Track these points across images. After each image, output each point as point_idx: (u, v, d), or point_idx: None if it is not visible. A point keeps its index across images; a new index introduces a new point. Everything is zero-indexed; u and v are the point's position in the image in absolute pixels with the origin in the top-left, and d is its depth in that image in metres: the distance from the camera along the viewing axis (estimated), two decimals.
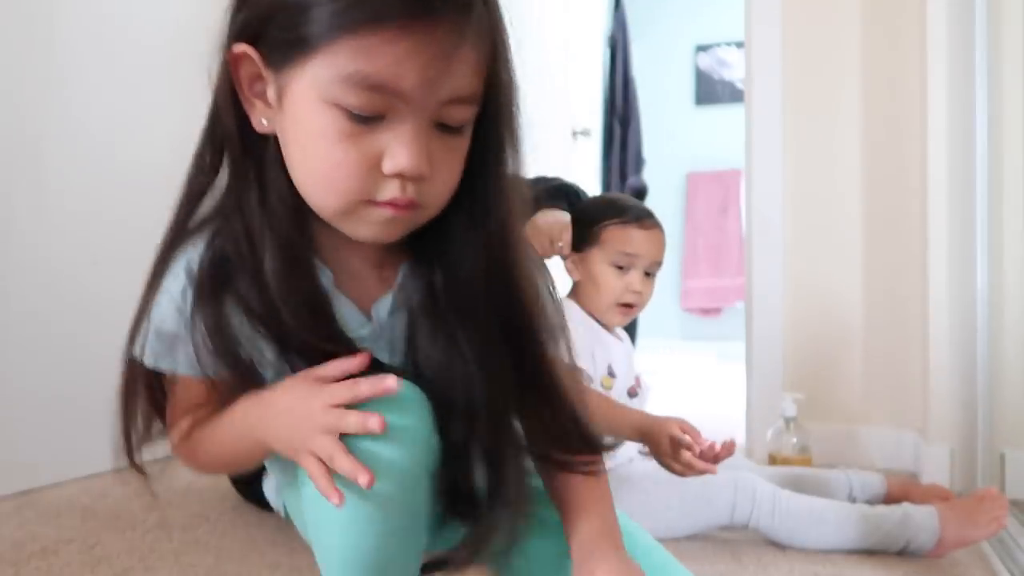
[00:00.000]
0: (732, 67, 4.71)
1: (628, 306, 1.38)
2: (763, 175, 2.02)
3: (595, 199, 1.55)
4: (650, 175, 4.37)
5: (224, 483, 1.57)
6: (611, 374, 1.38)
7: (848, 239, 1.96)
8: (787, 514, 1.24)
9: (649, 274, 1.39)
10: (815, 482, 1.40)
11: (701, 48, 4.79)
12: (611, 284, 1.37)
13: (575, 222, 1.41)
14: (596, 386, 1.36)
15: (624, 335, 1.50)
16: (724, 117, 4.62)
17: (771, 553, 1.24)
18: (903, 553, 1.21)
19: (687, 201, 4.73)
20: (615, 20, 4.42)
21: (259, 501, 1.51)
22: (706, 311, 4.66)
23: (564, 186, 1.69)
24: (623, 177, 4.30)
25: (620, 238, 1.36)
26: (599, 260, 1.37)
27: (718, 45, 4.74)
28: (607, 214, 1.38)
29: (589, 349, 1.36)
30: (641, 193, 3.92)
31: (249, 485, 1.51)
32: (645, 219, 1.38)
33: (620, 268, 1.37)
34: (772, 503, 1.25)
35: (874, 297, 1.94)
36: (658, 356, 4.17)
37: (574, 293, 1.43)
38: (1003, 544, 1.27)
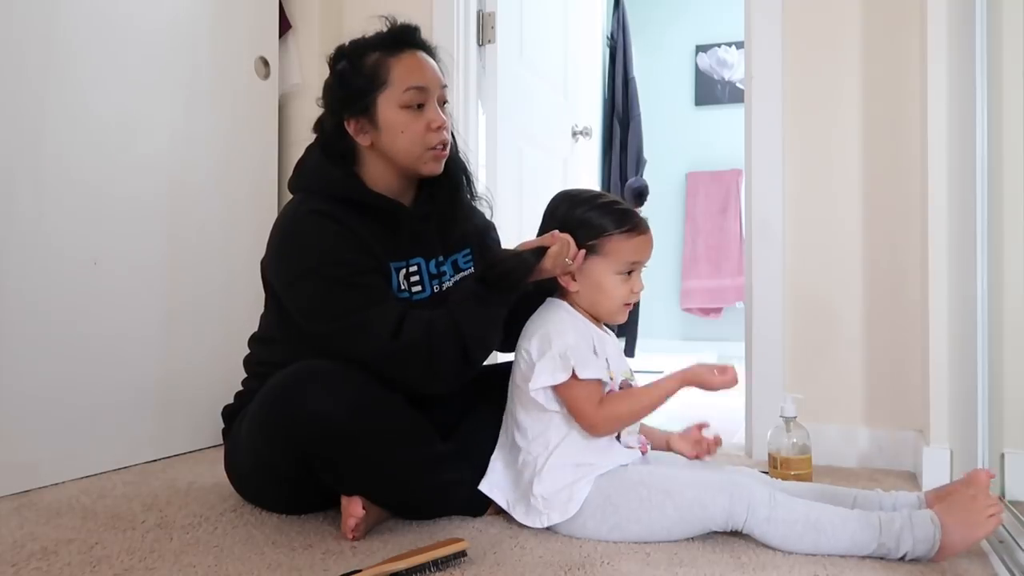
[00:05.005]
0: (732, 67, 4.71)
1: (628, 304, 1.42)
2: (763, 175, 2.02)
3: (589, 205, 1.40)
4: (650, 175, 4.36)
5: (224, 483, 1.58)
6: (608, 367, 1.39)
7: (848, 239, 1.96)
8: (782, 520, 1.23)
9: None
10: (847, 499, 1.34)
11: (701, 48, 4.79)
12: (619, 291, 1.39)
13: (570, 230, 1.37)
14: (607, 377, 1.37)
15: (611, 332, 1.51)
16: (724, 117, 4.62)
17: (771, 554, 1.24)
18: (902, 560, 1.20)
19: (687, 201, 4.72)
20: (615, 20, 4.42)
21: (259, 501, 1.51)
22: (706, 311, 4.65)
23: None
24: (623, 177, 4.29)
25: (625, 249, 1.38)
26: (604, 270, 1.38)
27: (718, 45, 4.73)
28: (606, 225, 1.37)
29: (593, 344, 1.37)
30: (642, 193, 3.92)
31: (248, 484, 1.51)
32: (641, 224, 1.39)
33: (624, 274, 1.39)
34: (768, 508, 1.23)
35: (874, 297, 1.94)
36: (658, 356, 4.17)
37: (564, 295, 1.43)
38: (1003, 544, 1.27)
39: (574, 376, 1.32)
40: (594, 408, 1.33)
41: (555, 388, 1.35)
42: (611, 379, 1.38)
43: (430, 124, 1.44)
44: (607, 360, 1.38)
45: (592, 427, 1.35)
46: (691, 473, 1.34)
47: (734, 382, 1.35)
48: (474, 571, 1.18)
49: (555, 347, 1.34)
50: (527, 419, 1.39)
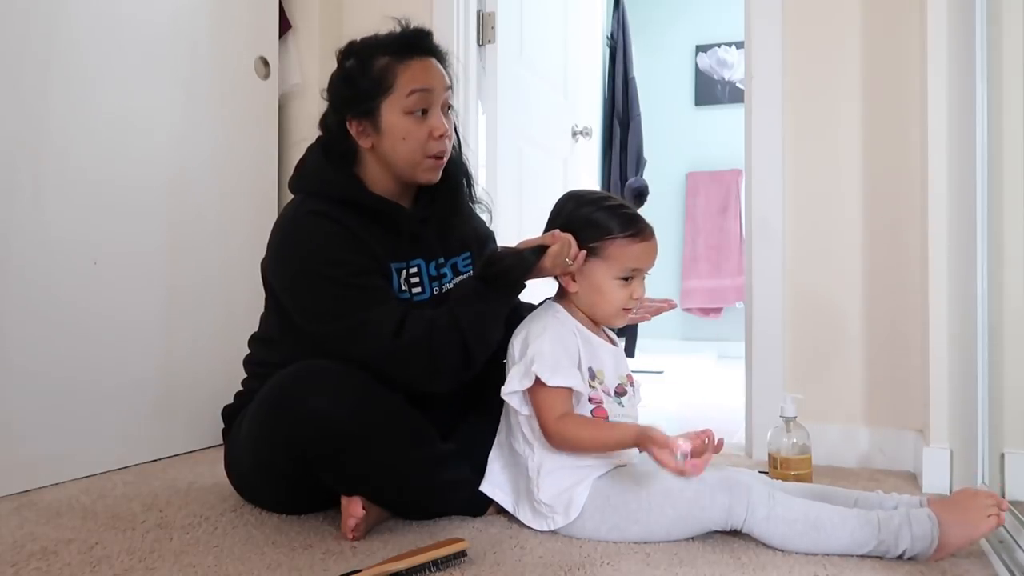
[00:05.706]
0: (732, 67, 4.71)
1: (628, 309, 1.40)
2: (763, 175, 2.02)
3: (595, 206, 1.39)
4: (650, 175, 4.36)
5: (224, 483, 1.58)
6: (593, 376, 1.38)
7: (848, 239, 1.96)
8: (781, 519, 1.23)
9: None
10: (848, 501, 1.33)
11: (701, 48, 4.79)
12: (618, 295, 1.37)
13: (573, 230, 1.37)
14: (586, 388, 1.36)
15: (613, 335, 1.50)
16: (724, 117, 4.62)
17: (771, 553, 1.24)
18: (901, 559, 1.21)
19: (687, 201, 4.72)
20: (615, 20, 4.42)
21: (258, 501, 1.51)
22: (706, 311, 4.65)
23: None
24: (623, 177, 4.29)
25: (628, 254, 1.36)
26: (604, 274, 1.37)
27: (718, 45, 4.74)
28: (610, 228, 1.35)
29: (577, 353, 1.36)
30: (642, 193, 3.92)
31: (247, 484, 1.51)
32: (646, 230, 1.38)
33: (625, 279, 1.37)
34: (767, 507, 1.23)
35: (874, 297, 1.94)
36: (658, 356, 4.17)
37: (564, 296, 1.43)
38: (1003, 544, 1.27)
39: (540, 383, 1.31)
40: (552, 419, 1.31)
41: (526, 393, 1.35)
42: (594, 388, 1.36)
43: (432, 132, 1.43)
44: (592, 369, 1.37)
45: (547, 437, 1.33)
46: None
47: (692, 471, 1.19)
48: (474, 571, 1.18)
49: (529, 352, 1.33)
50: (516, 421, 1.39)
